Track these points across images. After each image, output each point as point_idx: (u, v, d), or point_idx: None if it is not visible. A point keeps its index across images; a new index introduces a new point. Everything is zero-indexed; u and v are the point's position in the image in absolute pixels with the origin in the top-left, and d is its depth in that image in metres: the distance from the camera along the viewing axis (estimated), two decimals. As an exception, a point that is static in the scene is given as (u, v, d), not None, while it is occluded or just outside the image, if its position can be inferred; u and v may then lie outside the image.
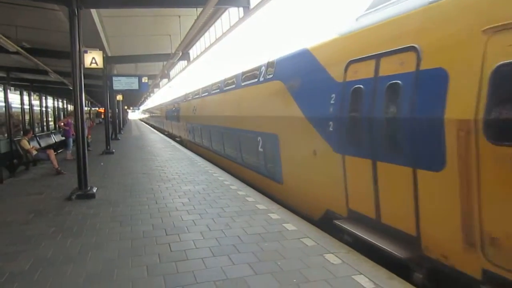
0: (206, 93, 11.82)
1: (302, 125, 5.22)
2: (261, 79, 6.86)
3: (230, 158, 9.15)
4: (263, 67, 6.85)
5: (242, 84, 7.98)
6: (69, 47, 6.12)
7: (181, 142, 17.33)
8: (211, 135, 10.98)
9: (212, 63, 13.09)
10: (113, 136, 18.38)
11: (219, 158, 10.33)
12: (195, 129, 13.81)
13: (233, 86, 8.71)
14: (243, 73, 8.03)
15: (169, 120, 23.29)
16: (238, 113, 8.17)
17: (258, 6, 7.27)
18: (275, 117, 6.15)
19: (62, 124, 12.15)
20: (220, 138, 9.86)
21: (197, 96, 13.35)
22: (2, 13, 9.25)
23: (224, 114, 9.46)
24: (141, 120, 66.19)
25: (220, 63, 11.51)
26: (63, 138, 12.84)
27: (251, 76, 7.55)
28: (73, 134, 10.66)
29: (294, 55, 5.77)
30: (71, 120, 11.64)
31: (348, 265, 3.28)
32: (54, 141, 13.83)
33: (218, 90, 10.14)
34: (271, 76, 6.41)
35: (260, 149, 6.82)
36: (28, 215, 5.03)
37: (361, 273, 3.11)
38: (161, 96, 31.05)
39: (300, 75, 5.47)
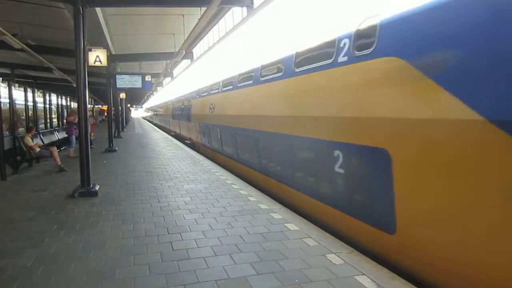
0: (230, 87, 9.00)
1: (471, 136, 2.84)
2: (342, 59, 4.41)
3: (271, 174, 6.71)
4: (346, 40, 4.39)
5: (297, 70, 5.58)
6: (74, 45, 6.17)
7: (193, 146, 14.62)
8: (237, 140, 8.54)
9: (235, 48, 9.83)
10: (116, 134, 18.46)
11: (250, 171, 7.88)
12: (212, 132, 10.99)
13: (279, 74, 6.22)
14: (298, 55, 5.59)
15: (177, 120, 19.33)
16: (290, 113, 5.83)
17: (261, 5, 7.30)
18: (384, 119, 3.75)
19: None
20: (253, 146, 7.41)
21: (216, 91, 10.53)
22: (8, 11, 9.32)
23: (262, 113, 6.99)
24: (144, 118, 66.33)
25: (249, 46, 8.53)
26: (66, 135, 12.89)
27: (316, 57, 5.13)
28: (75, 129, 10.67)
29: (437, 8, 3.14)
30: (74, 117, 11.69)
31: (350, 265, 3.27)
32: (57, 138, 13.83)
33: (251, 82, 7.61)
34: (369, 51, 3.96)
35: (339, 170, 4.50)
36: (31, 212, 5.06)
37: (363, 274, 3.09)
38: (167, 92, 29.93)
39: (463, 43, 2.97)
